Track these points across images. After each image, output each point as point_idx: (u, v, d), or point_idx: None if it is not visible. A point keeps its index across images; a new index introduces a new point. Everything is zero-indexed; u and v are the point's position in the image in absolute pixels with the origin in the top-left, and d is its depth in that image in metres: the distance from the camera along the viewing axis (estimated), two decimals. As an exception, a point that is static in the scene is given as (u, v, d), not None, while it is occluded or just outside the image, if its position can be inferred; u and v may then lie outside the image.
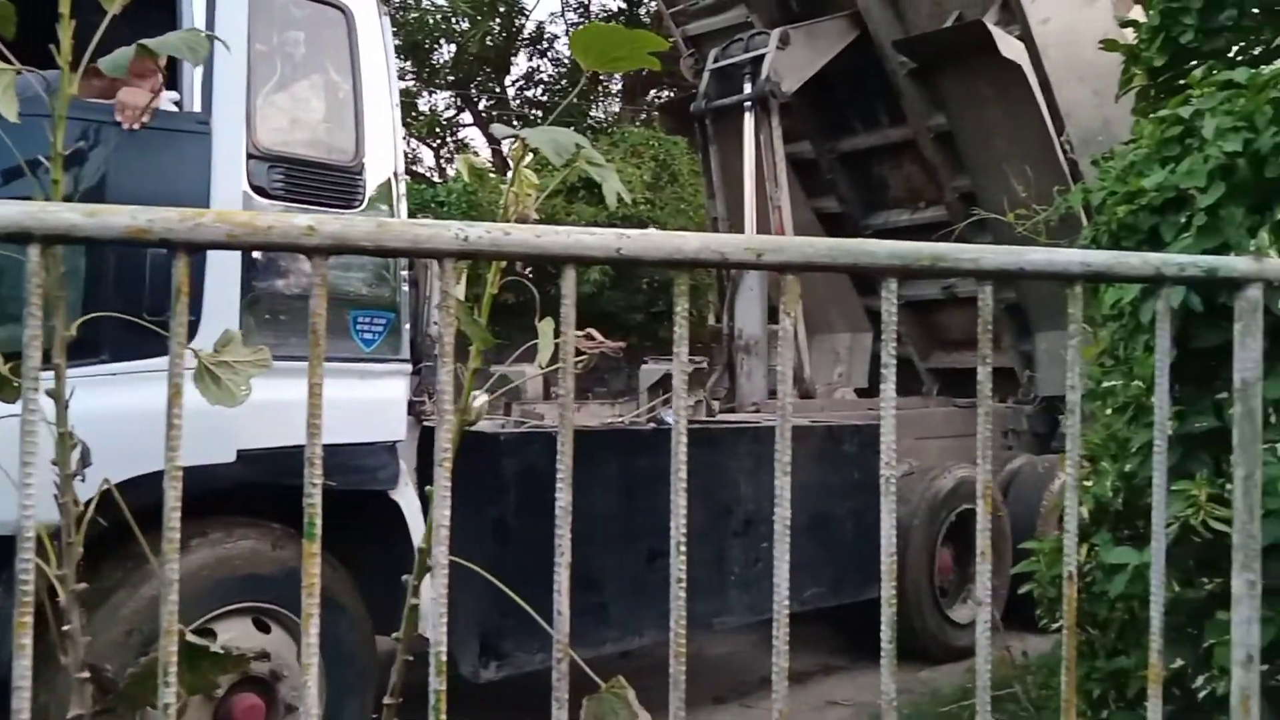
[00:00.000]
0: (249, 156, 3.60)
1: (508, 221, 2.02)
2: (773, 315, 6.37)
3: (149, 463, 3.07)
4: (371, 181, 3.92)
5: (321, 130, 3.94)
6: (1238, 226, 3.12)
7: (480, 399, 4.89)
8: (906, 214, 7.31)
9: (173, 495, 0.96)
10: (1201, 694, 3.01)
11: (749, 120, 6.42)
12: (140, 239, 0.90)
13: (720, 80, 6.71)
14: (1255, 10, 4.14)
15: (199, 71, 3.53)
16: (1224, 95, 3.31)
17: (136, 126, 3.31)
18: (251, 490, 3.50)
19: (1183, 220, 3.28)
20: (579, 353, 2.25)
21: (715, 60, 6.76)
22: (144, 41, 2.12)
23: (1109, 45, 5.71)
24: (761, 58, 6.36)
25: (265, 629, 3.61)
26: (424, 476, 3.90)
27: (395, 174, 4.05)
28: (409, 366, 4.10)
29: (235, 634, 3.43)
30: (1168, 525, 2.93)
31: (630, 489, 4.52)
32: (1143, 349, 3.40)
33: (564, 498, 1.08)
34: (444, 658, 1.05)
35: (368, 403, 3.83)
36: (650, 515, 4.17)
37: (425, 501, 3.86)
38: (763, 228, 6.22)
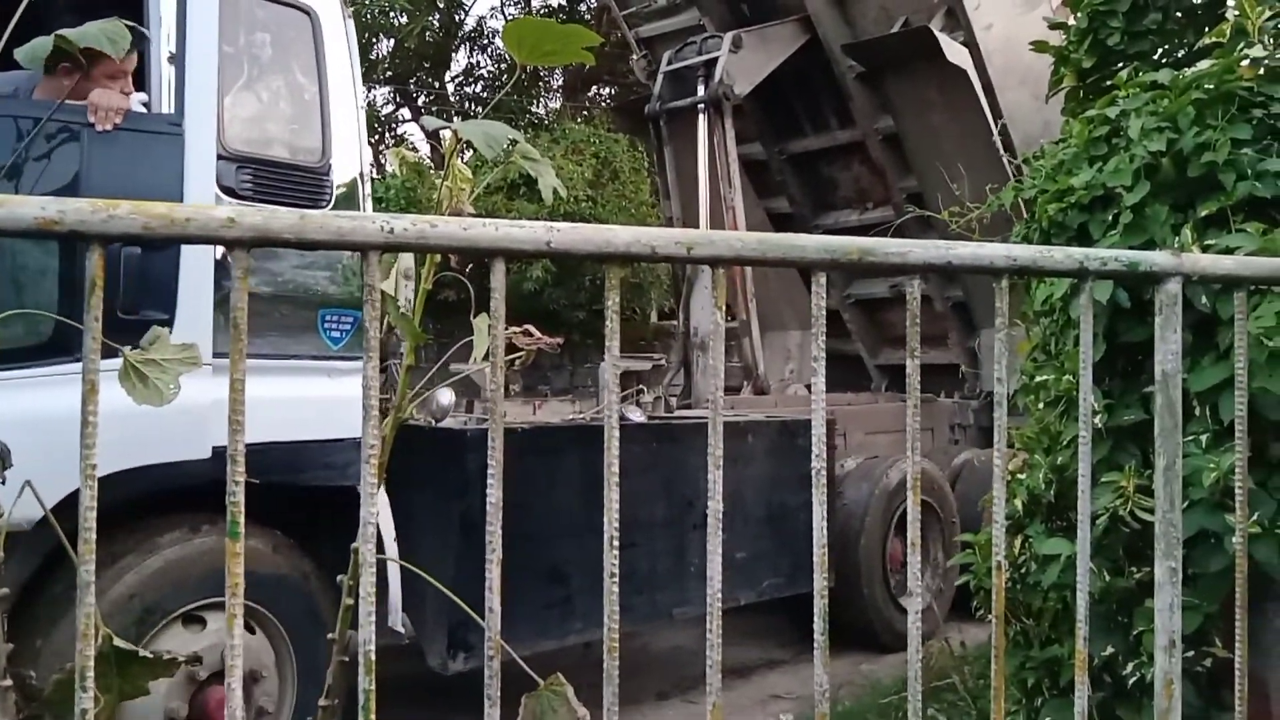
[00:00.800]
0: (219, 157, 3.62)
1: (441, 214, 2.00)
2: (728, 313, 6.45)
3: (134, 458, 3.14)
4: (338, 181, 3.97)
5: (289, 131, 3.96)
6: (1162, 224, 3.19)
7: (447, 397, 4.69)
8: (855, 214, 7.46)
9: (88, 495, 0.93)
10: (1131, 680, 3.08)
11: (703, 122, 6.52)
12: (51, 230, 0.88)
13: (674, 82, 6.80)
14: (1179, 14, 4.24)
15: (170, 73, 3.53)
16: (1149, 96, 3.38)
17: (109, 127, 3.27)
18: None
19: (1110, 218, 3.34)
20: (515, 349, 2.24)
21: (669, 63, 6.85)
22: (62, 32, 2.07)
23: (1039, 46, 5.82)
24: (715, 61, 6.48)
25: (250, 629, 3.60)
26: (393, 473, 4.00)
27: (361, 174, 4.10)
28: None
29: (218, 628, 3.44)
30: (1098, 517, 3.00)
31: (595, 483, 4.51)
32: (1073, 344, 3.46)
33: (494, 494, 1.07)
34: (373, 656, 1.03)
35: (336, 400, 3.83)
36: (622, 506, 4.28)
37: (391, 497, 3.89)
38: (717, 227, 6.32)
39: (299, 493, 3.77)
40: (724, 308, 1.20)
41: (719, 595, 1.18)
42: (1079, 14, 4.31)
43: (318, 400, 3.84)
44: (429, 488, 4.30)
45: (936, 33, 6.15)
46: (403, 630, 3.98)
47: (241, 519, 0.99)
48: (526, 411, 5.82)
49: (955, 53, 6.14)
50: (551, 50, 1.94)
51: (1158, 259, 1.31)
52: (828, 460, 4.83)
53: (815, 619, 1.20)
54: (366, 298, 0.99)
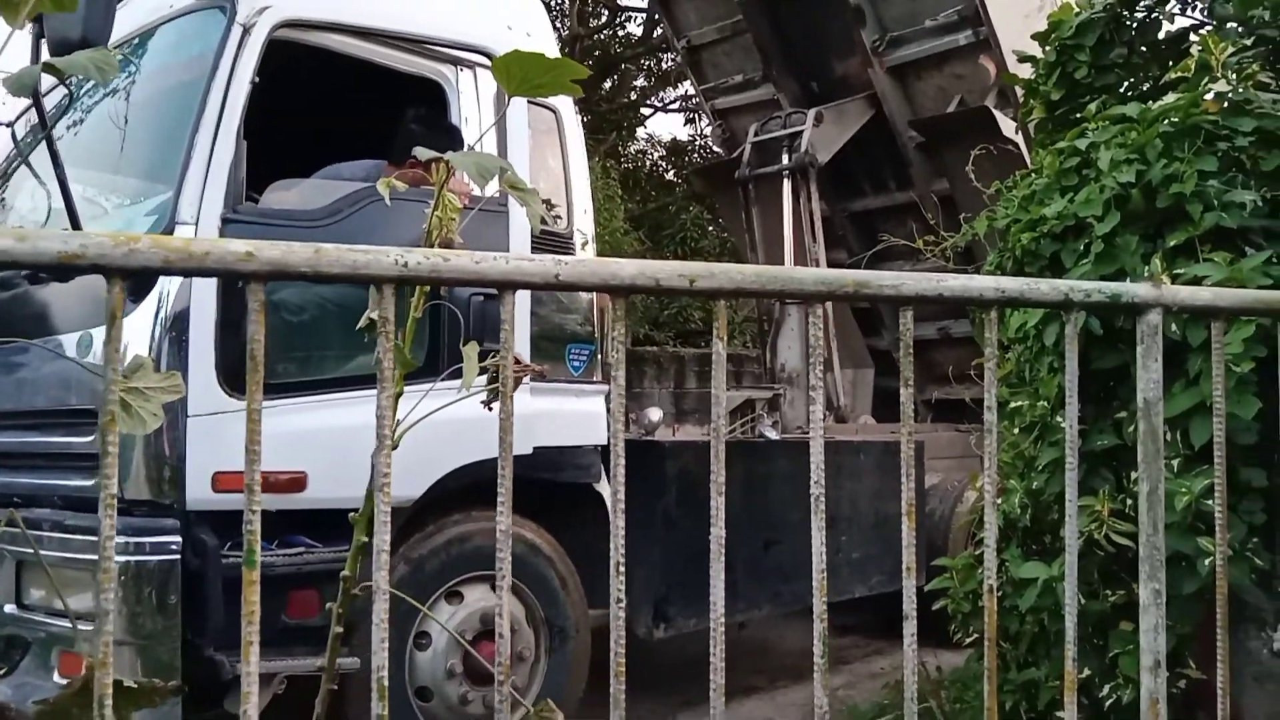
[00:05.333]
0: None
1: (432, 245, 2.02)
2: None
3: (469, 455, 3.85)
4: (579, 241, 4.81)
5: (549, 206, 4.79)
6: (1132, 253, 3.26)
7: (656, 414, 5.89)
8: (909, 266, 7.87)
9: (106, 520, 0.94)
10: (1108, 702, 3.12)
11: (788, 186, 7.41)
12: (73, 263, 0.89)
13: (758, 151, 7.72)
14: (1143, 49, 4.33)
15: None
16: (1117, 129, 3.46)
17: (465, 203, 3.66)
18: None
19: (1081, 247, 3.41)
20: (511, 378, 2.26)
21: (755, 134, 7.75)
22: (50, 60, 2.08)
23: (1008, 78, 5.97)
24: (799, 133, 7.43)
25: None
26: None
27: (590, 238, 4.99)
28: (606, 387, 4.95)
29: (479, 596, 4.22)
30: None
31: (749, 490, 5.29)
32: (1047, 370, 3.52)
33: (503, 522, 1.09)
34: (385, 682, 1.04)
35: (580, 415, 4.70)
36: (764, 512, 5.18)
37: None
38: None
39: (549, 487, 4.48)
40: (724, 338, 1.23)
41: (722, 614, 1.20)
42: (1047, 48, 4.40)
43: (570, 414, 4.63)
44: (640, 486, 5.05)
45: (994, 110, 6.88)
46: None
47: (258, 548, 1.00)
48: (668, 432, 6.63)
49: (1008, 127, 6.78)
50: (541, 84, 1.97)
51: (1139, 290, 1.35)
52: (918, 477, 5.51)
53: (815, 641, 1.22)
54: (381, 329, 1.01)
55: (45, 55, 2.84)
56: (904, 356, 1.28)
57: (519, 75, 1.97)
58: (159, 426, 2.07)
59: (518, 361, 2.60)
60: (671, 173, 17.08)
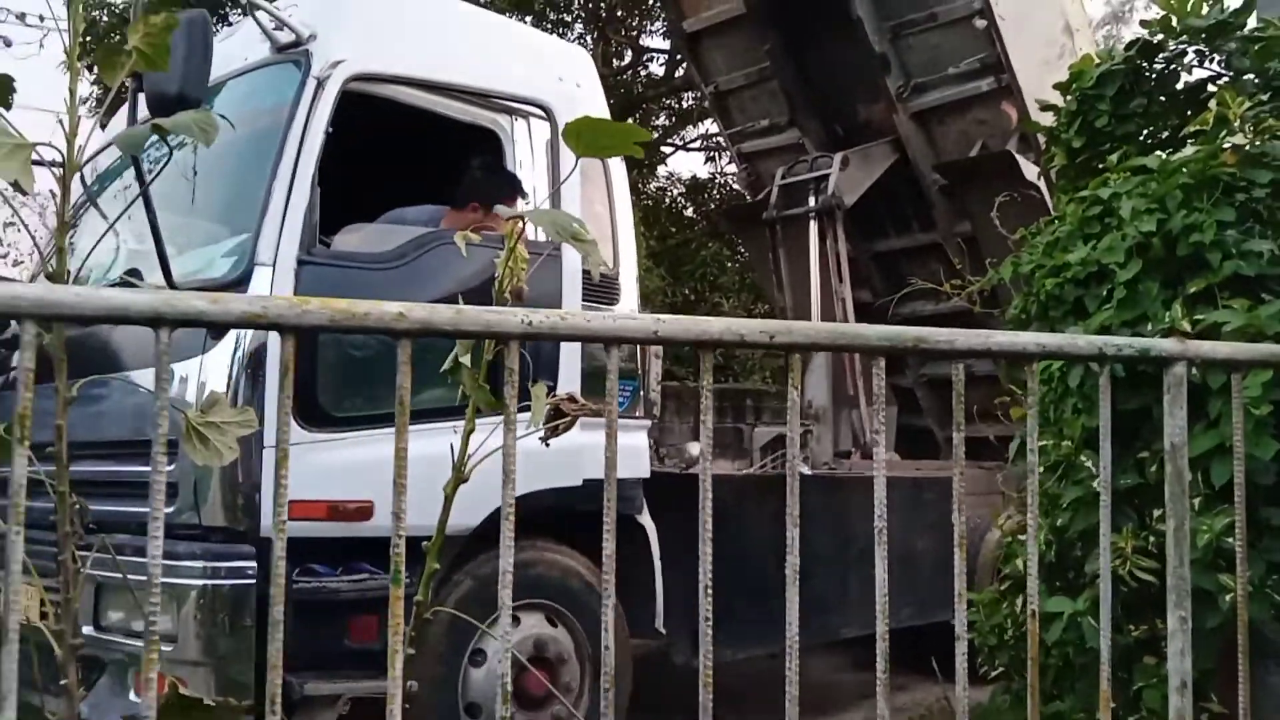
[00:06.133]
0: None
1: (503, 292, 2.19)
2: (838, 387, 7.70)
3: (525, 486, 3.81)
4: (624, 285, 5.05)
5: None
6: (1154, 299, 3.38)
7: (695, 448, 5.93)
8: (931, 305, 8.02)
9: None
10: (1133, 735, 3.20)
11: (814, 227, 7.57)
12: (256, 322, 1.05)
13: (785, 193, 7.89)
14: (1162, 98, 4.47)
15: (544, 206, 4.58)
16: (1138, 180, 3.59)
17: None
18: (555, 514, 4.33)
19: (1104, 293, 3.54)
20: (562, 414, 2.42)
21: (783, 177, 7.92)
22: (158, 121, 2.25)
23: (1029, 125, 6.12)
24: (826, 177, 7.60)
25: (553, 624, 4.49)
26: (655, 507, 5.10)
27: (635, 278, 5.26)
28: (649, 422, 5.31)
29: (533, 622, 4.35)
30: (1097, 576, 3.16)
31: (781, 522, 5.48)
32: (1071, 411, 3.63)
33: (608, 546, 1.23)
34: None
35: (626, 449, 4.66)
36: (801, 545, 5.14)
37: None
38: (828, 316, 7.50)
39: (595, 518, 4.58)
40: (799, 386, 1.37)
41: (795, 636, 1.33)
42: (1069, 97, 4.54)
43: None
44: (680, 519, 4.95)
45: (1015, 155, 7.00)
46: (664, 631, 4.86)
47: (403, 568, 1.15)
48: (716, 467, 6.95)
49: (1030, 171, 6.85)
50: (608, 145, 2.14)
51: (1166, 345, 1.49)
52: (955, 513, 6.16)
53: (878, 659, 1.36)
54: (507, 379, 1.16)
55: (142, 109, 3.03)
56: (956, 404, 1.42)
57: (587, 138, 2.14)
58: (240, 455, 2.23)
59: (572, 400, 2.76)
60: (690, 209, 17.32)
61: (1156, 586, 2.86)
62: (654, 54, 16.16)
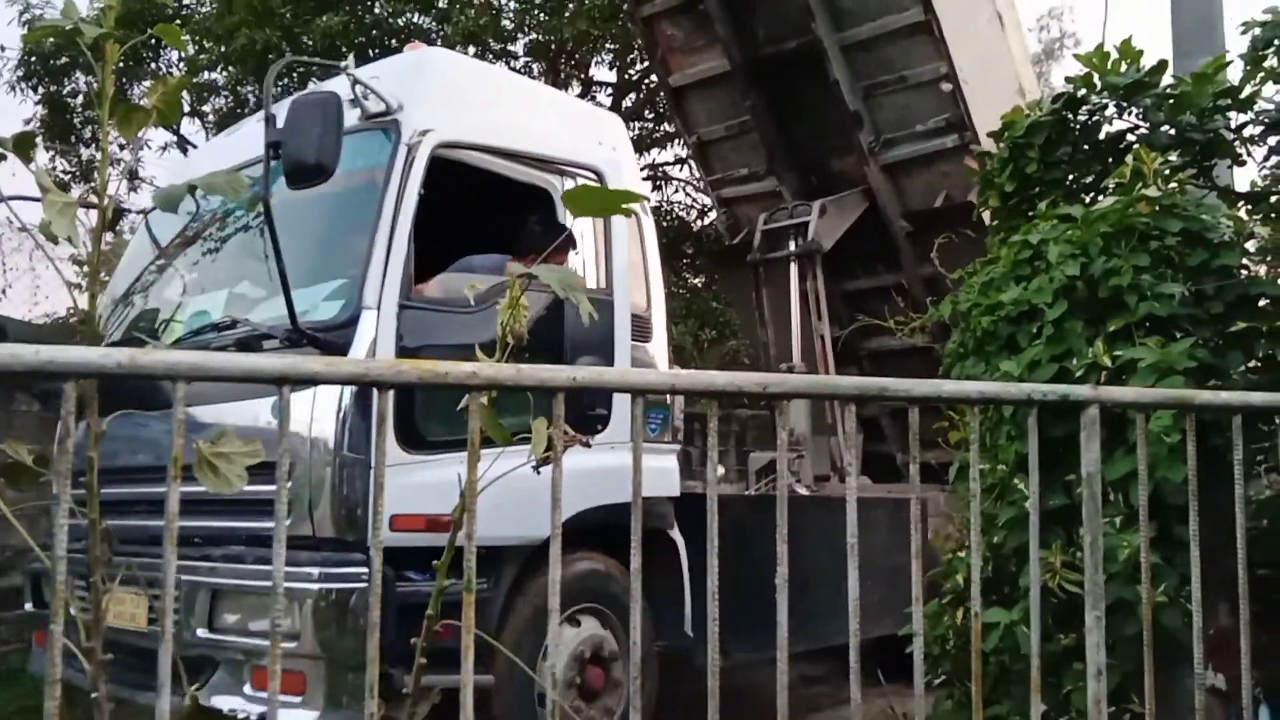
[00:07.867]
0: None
1: (505, 337, 2.45)
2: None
3: (589, 501, 4.37)
4: (655, 324, 5.46)
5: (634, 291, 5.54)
6: (1078, 336, 3.67)
7: (720, 470, 6.55)
8: (895, 340, 8.47)
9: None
10: (1062, 735, 3.50)
11: (794, 270, 8.17)
12: (360, 381, 1.30)
13: (767, 238, 8.47)
14: (1086, 147, 4.83)
15: (597, 256, 5.30)
16: (1064, 227, 3.92)
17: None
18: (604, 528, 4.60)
19: (1035, 330, 3.84)
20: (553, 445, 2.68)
21: (765, 223, 8.50)
22: (192, 181, 2.48)
23: (969, 172, 6.48)
24: (806, 223, 8.21)
25: (605, 627, 5.02)
26: (684, 523, 5.51)
27: (664, 317, 5.67)
28: (678, 446, 5.75)
29: (592, 626, 4.88)
30: (1028, 589, 3.46)
31: (798, 537, 6.03)
32: (1005, 438, 3.93)
33: (635, 561, 1.50)
34: None
35: (657, 470, 5.22)
36: (797, 556, 5.46)
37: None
38: (808, 351, 8.10)
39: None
40: (787, 429, 1.65)
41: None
42: (1001, 145, 4.87)
43: (650, 470, 5.09)
44: (698, 536, 5.49)
45: (976, 204, 7.46)
46: (691, 635, 5.28)
47: (474, 576, 1.41)
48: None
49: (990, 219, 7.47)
50: (604, 207, 2.43)
51: (1082, 391, 1.80)
52: (923, 528, 6.49)
53: (851, 666, 1.63)
54: (555, 426, 1.42)
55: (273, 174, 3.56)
56: (912, 440, 1.71)
57: (585, 203, 2.43)
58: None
59: (566, 432, 3.03)
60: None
61: (1082, 598, 3.15)
62: (602, 85, 16.48)
